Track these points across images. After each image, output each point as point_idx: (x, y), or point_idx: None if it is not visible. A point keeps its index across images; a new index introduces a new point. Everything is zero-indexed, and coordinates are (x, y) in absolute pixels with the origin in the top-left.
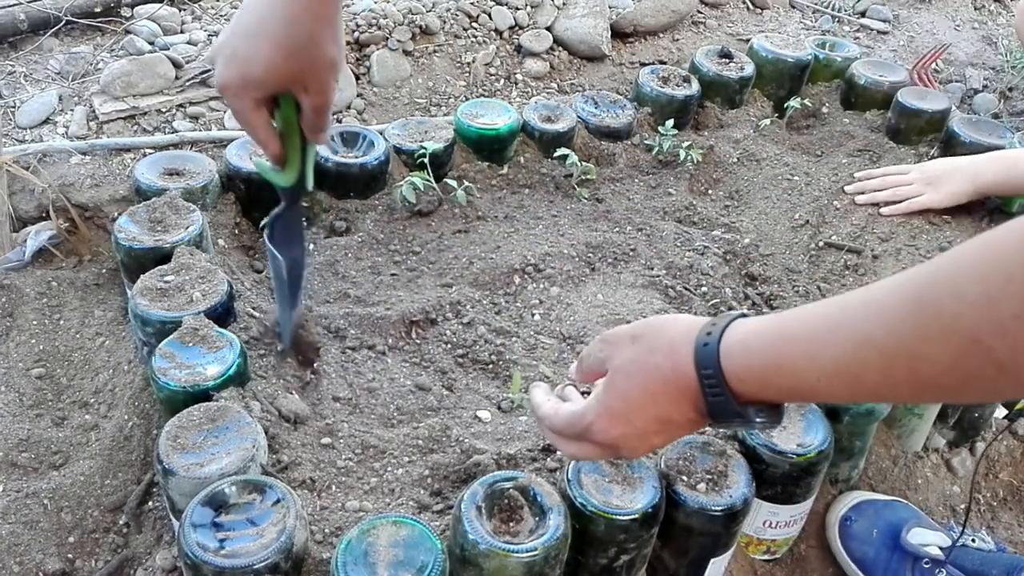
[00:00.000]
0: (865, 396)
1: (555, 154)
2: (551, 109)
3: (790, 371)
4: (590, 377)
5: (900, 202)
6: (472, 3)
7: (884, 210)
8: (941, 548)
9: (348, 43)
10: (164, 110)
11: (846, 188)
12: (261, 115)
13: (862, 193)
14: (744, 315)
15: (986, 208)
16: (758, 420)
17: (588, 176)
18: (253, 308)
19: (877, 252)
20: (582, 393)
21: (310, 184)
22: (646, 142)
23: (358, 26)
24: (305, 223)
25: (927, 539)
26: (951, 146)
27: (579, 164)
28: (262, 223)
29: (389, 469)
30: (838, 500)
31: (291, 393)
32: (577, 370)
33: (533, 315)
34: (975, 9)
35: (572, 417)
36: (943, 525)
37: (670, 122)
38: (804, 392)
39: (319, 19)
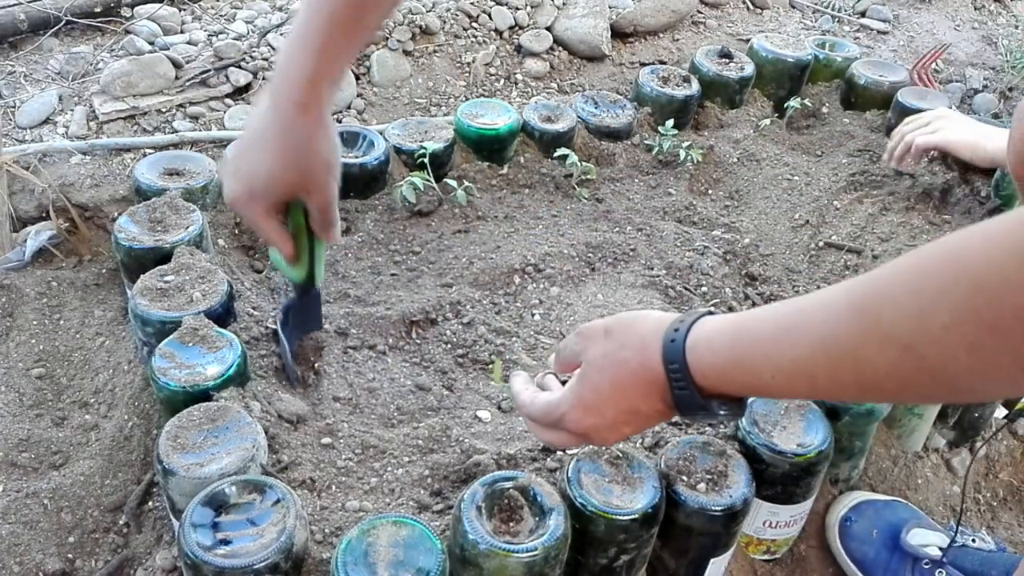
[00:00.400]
0: (819, 394)
1: (555, 154)
2: (551, 109)
3: (749, 368)
4: (566, 368)
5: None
6: (472, 3)
7: (920, 140)
8: (940, 548)
9: None
10: (164, 110)
11: (883, 158)
12: (271, 221)
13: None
14: (711, 312)
15: (986, 208)
16: (721, 413)
17: (588, 176)
18: (253, 308)
19: (877, 252)
20: (562, 382)
21: (319, 280)
22: (646, 142)
23: None
24: (321, 304)
25: (927, 539)
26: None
27: (579, 164)
28: (274, 311)
29: (389, 469)
30: (838, 501)
31: (291, 393)
32: (555, 361)
33: (533, 315)
34: (975, 9)
35: (547, 407)
36: (943, 525)
37: (670, 122)
38: (762, 388)
39: (311, 124)
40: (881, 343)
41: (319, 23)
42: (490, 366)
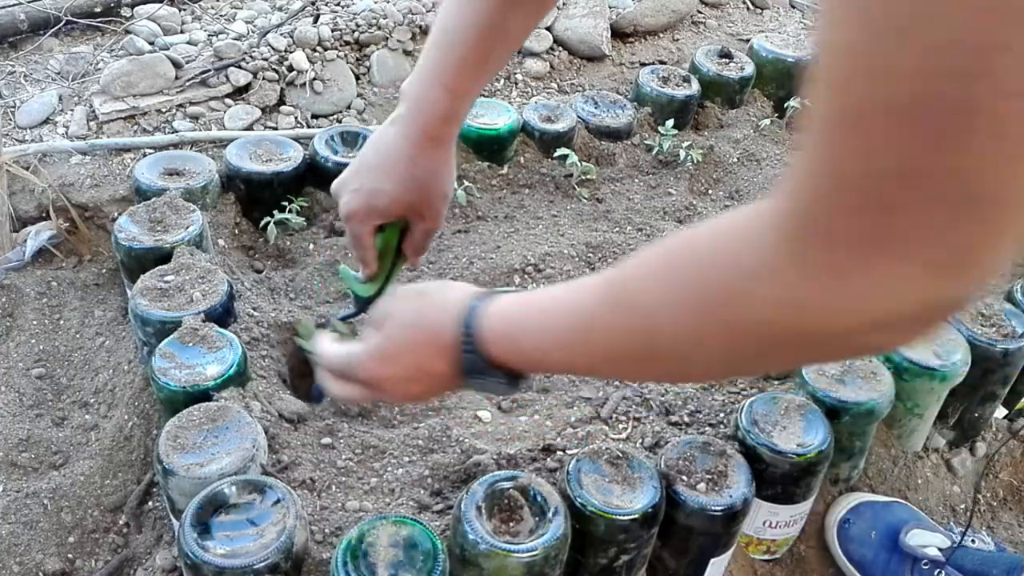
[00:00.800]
0: (584, 373)
1: (555, 154)
2: (551, 109)
3: (528, 341)
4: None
5: None
6: None
7: None
8: (940, 549)
9: (347, 43)
10: (164, 110)
11: None
12: (371, 239)
13: None
14: (523, 290)
15: None
16: (500, 383)
17: (588, 176)
18: (253, 308)
19: None
20: None
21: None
22: (646, 142)
23: (358, 26)
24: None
25: (926, 540)
26: None
27: (579, 164)
28: (321, 322)
29: (389, 469)
30: (836, 502)
31: (293, 393)
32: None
33: None
34: None
35: (344, 356)
36: (943, 526)
37: (670, 122)
38: (535, 364)
39: (440, 156)
40: (616, 323)
41: (453, 62)
42: (298, 326)
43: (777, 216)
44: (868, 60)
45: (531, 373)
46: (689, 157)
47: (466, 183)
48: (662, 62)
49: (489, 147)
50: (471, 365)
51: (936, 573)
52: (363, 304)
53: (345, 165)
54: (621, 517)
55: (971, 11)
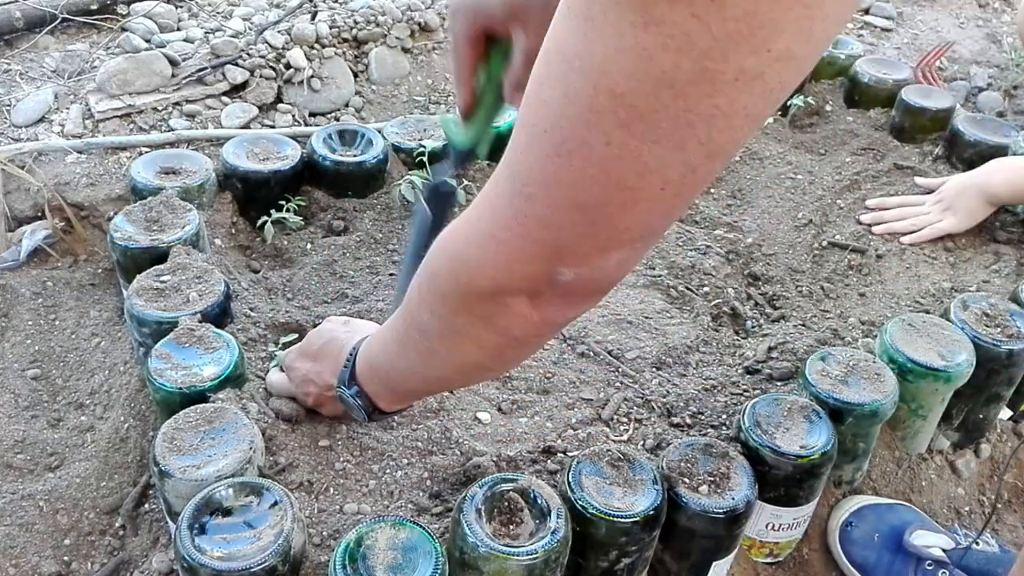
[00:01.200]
0: (407, 393)
1: None
2: None
3: (377, 380)
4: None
5: (920, 230)
6: None
7: (905, 239)
8: (944, 550)
9: (345, 40)
10: (160, 108)
11: (862, 218)
12: (472, 51)
13: (879, 223)
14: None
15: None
16: (355, 402)
17: None
18: (250, 308)
19: (881, 251)
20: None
21: (483, 151)
22: None
23: (356, 23)
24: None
25: (930, 541)
26: (955, 144)
27: None
28: (423, 184)
29: (388, 471)
30: (839, 506)
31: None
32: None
33: None
34: (979, 7)
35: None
36: (947, 528)
37: None
38: (380, 395)
39: None
40: (407, 332)
41: None
42: None
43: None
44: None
45: (384, 401)
46: None
47: (466, 182)
48: None
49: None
50: (341, 376)
51: (940, 574)
52: (461, 158)
53: (344, 164)
54: (622, 520)
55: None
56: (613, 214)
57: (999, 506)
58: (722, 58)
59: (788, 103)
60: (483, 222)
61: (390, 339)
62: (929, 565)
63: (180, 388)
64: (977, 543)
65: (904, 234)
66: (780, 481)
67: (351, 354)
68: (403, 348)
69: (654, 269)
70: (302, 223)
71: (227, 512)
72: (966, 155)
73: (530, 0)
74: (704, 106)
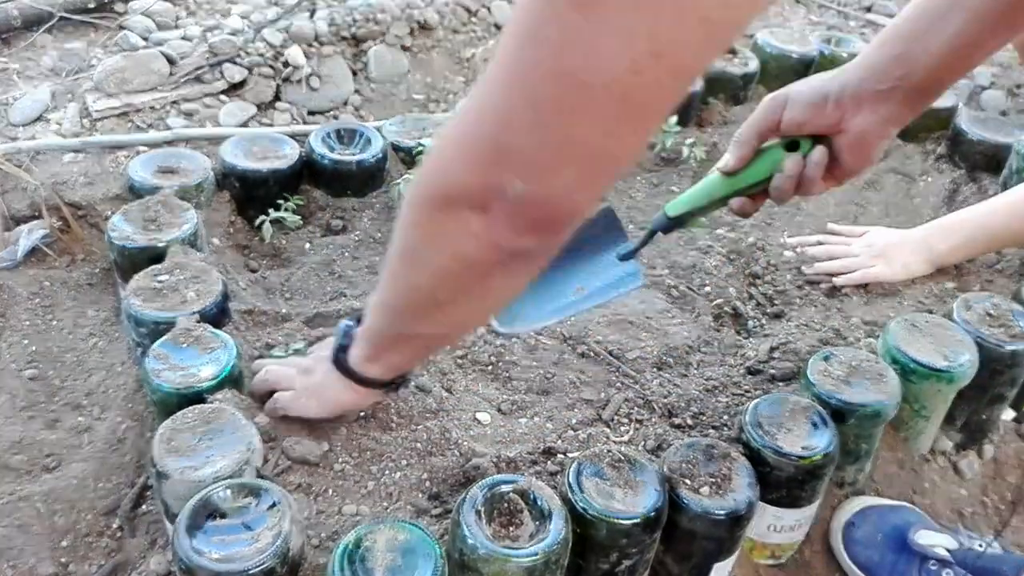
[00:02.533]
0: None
1: None
2: None
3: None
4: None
5: (853, 272)
6: None
7: (838, 280)
8: (948, 550)
9: (344, 38)
10: (158, 107)
11: (803, 269)
12: (771, 127)
13: (812, 264)
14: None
15: None
16: (340, 341)
17: None
18: (248, 308)
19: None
20: None
21: (684, 222)
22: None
23: (355, 21)
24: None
25: (934, 540)
26: (958, 143)
27: None
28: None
29: (387, 472)
30: (842, 506)
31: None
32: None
33: None
34: None
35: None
36: (950, 529)
37: (673, 119)
38: (367, 333)
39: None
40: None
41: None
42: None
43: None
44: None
45: (365, 349)
46: (692, 154)
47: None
48: None
49: None
50: (345, 330)
51: (944, 573)
52: (665, 224)
53: (343, 163)
54: (623, 521)
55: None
56: (564, 117)
57: (1002, 508)
58: None
59: None
60: (450, 127)
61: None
62: (933, 565)
63: (178, 389)
64: (972, 546)
65: (836, 275)
66: (782, 482)
67: (351, 322)
68: (384, 278)
69: (655, 268)
70: (300, 222)
71: (225, 514)
72: (968, 154)
73: (845, 123)
74: None
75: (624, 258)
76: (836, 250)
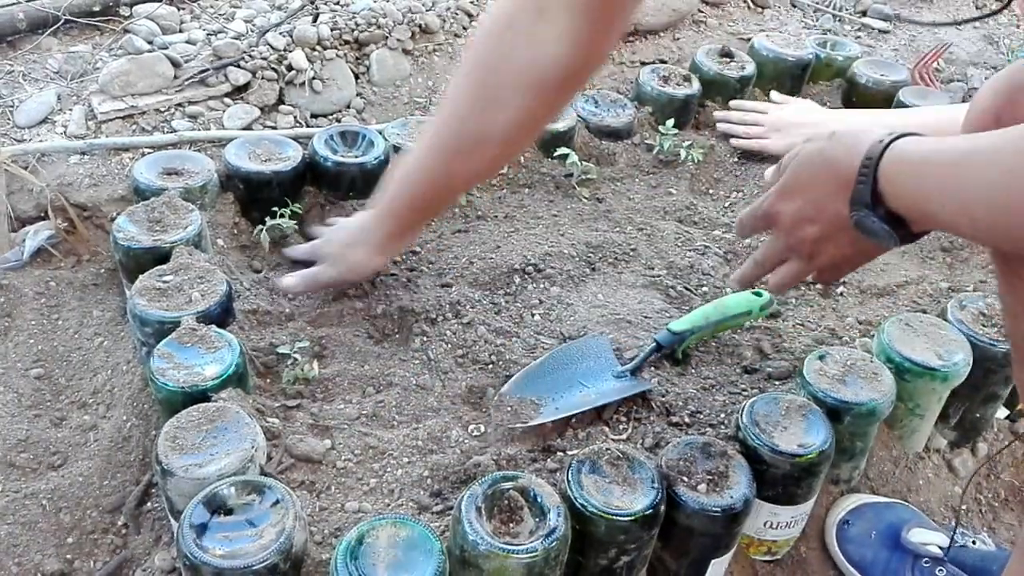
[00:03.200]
0: (978, 237)
1: (555, 154)
2: None
3: (923, 192)
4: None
5: (749, 139)
6: (472, 1)
7: (732, 142)
8: (941, 548)
9: (347, 42)
10: (163, 109)
11: (717, 119)
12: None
13: (724, 122)
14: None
15: None
16: (882, 227)
17: (588, 176)
18: (252, 309)
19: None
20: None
21: (689, 340)
22: (647, 141)
23: (357, 25)
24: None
25: (927, 538)
26: None
27: (579, 164)
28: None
29: (389, 470)
30: (836, 504)
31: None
32: (773, 173)
33: (533, 315)
34: (976, 8)
35: (759, 200)
36: (944, 526)
37: (670, 121)
38: (928, 217)
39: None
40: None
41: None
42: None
43: None
44: None
45: (917, 222)
46: (690, 156)
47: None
48: (663, 61)
49: None
50: (859, 197)
51: (937, 571)
52: (673, 338)
53: (345, 165)
54: (621, 518)
55: None
56: None
57: (995, 505)
58: None
59: None
60: None
61: (957, 154)
62: (926, 562)
63: (182, 387)
64: (966, 543)
65: (734, 137)
66: (778, 480)
67: (864, 170)
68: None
69: (653, 269)
70: (296, 228)
71: (229, 510)
72: None
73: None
74: None
75: (620, 376)
76: (748, 117)
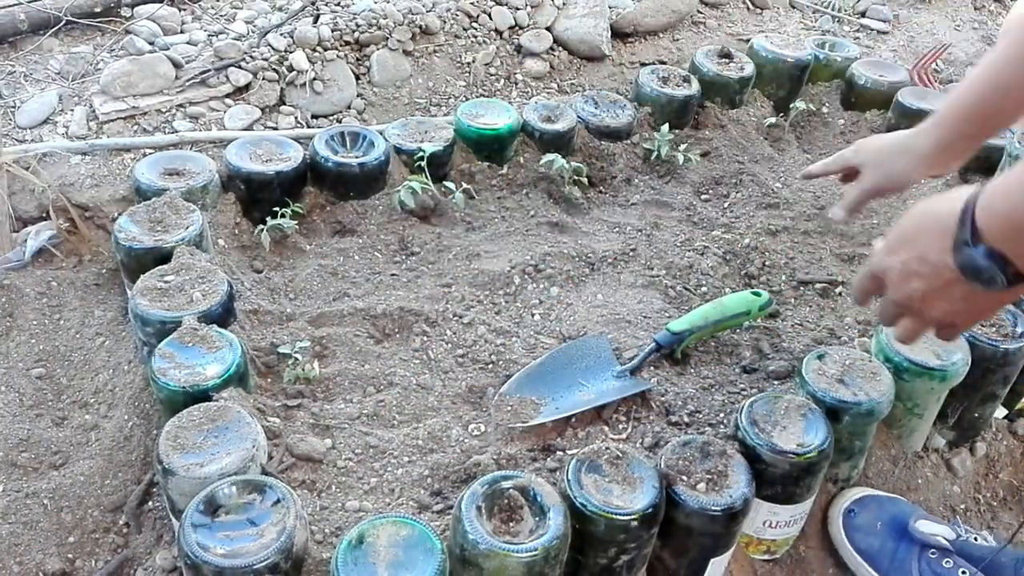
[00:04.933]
0: None
1: (545, 159)
2: (551, 109)
3: (1018, 213)
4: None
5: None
6: (472, 3)
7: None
8: (947, 539)
9: (347, 43)
10: (164, 110)
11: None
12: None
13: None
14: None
15: None
16: (985, 262)
17: (584, 176)
18: (253, 308)
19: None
20: None
21: (688, 340)
22: (646, 142)
23: (358, 26)
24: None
25: (934, 530)
26: None
27: (567, 167)
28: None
29: (389, 469)
30: (840, 495)
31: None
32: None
33: (533, 315)
34: (975, 9)
35: (874, 254)
36: (949, 520)
37: (665, 127)
38: (1017, 240)
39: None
40: None
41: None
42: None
43: None
44: None
45: (1019, 254)
46: (689, 157)
47: (465, 185)
48: (662, 62)
49: (489, 147)
50: (960, 237)
51: (944, 562)
52: (674, 338)
53: (346, 165)
54: (621, 517)
55: None
56: None
57: (994, 504)
58: None
59: (791, 106)
60: None
61: None
62: (933, 553)
63: (183, 387)
64: (969, 539)
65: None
66: (777, 479)
67: (964, 213)
68: None
69: (652, 269)
70: (297, 228)
71: (230, 510)
72: None
73: None
74: None
75: (620, 376)
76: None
